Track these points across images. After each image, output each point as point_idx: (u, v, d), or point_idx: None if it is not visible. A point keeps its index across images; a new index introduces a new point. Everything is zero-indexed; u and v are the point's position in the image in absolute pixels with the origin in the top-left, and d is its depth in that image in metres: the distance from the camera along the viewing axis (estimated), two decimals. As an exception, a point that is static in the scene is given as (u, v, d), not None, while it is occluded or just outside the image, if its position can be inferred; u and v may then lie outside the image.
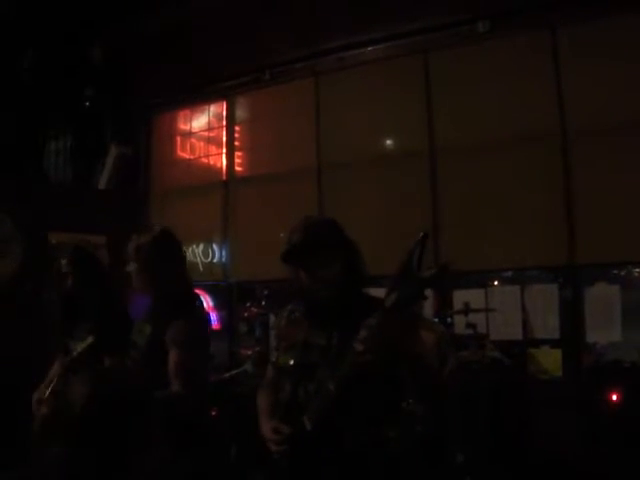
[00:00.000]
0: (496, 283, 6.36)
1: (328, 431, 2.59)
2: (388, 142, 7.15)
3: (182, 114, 8.95)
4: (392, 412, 2.80)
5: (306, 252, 2.72)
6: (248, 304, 7.14)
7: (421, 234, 2.39)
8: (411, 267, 2.33)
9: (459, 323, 5.90)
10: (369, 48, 7.00)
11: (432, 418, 4.74)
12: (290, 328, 2.96)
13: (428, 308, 6.08)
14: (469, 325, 5.44)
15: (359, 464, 2.63)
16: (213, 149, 8.58)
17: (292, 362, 2.84)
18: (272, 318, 3.45)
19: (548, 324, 5.97)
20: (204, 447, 3.36)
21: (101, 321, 4.02)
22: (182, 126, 8.94)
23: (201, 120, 8.74)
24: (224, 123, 8.41)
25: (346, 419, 2.60)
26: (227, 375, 6.43)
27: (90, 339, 3.80)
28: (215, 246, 8.15)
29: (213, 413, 4.61)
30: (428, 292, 5.97)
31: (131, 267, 3.76)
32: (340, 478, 2.62)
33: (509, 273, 6.39)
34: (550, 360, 5.91)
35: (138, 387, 1.92)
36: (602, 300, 5.79)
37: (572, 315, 5.90)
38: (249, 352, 6.51)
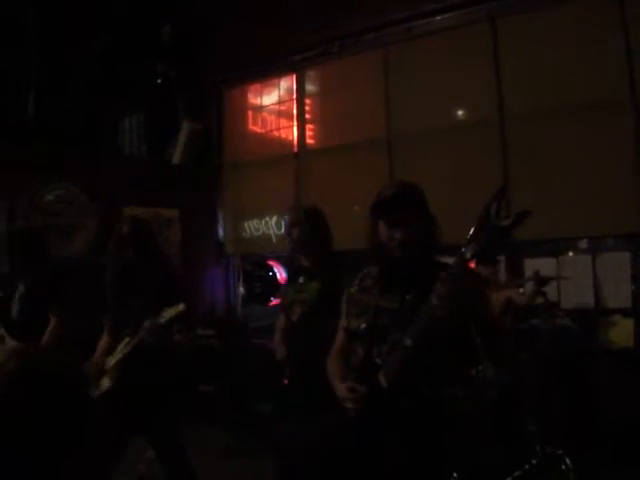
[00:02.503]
0: (567, 251, 6.30)
1: (402, 388, 2.66)
2: (457, 111, 7.12)
3: (252, 88, 9.06)
4: (461, 373, 2.87)
5: (394, 207, 2.81)
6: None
7: (500, 186, 2.45)
8: (489, 217, 2.38)
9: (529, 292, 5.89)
10: (437, 17, 6.96)
11: (503, 382, 4.78)
12: (361, 294, 3.04)
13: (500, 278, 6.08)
14: (539, 293, 5.42)
15: (430, 422, 2.70)
16: (284, 122, 8.67)
17: (364, 326, 2.92)
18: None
19: (620, 293, 5.90)
20: None
21: (162, 298, 4.10)
22: (253, 100, 9.05)
23: (271, 94, 8.82)
24: (294, 96, 8.48)
25: (419, 376, 2.67)
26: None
27: (182, 306, 3.89)
28: (288, 218, 8.25)
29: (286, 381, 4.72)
30: (500, 262, 5.99)
31: (296, 232, 4.33)
32: (411, 436, 2.69)
33: (581, 241, 6.32)
34: (622, 329, 5.84)
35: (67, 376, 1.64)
36: (675, 268, 5.73)
37: (645, 283, 5.84)
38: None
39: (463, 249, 2.47)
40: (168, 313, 3.88)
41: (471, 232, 2.44)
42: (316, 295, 4.16)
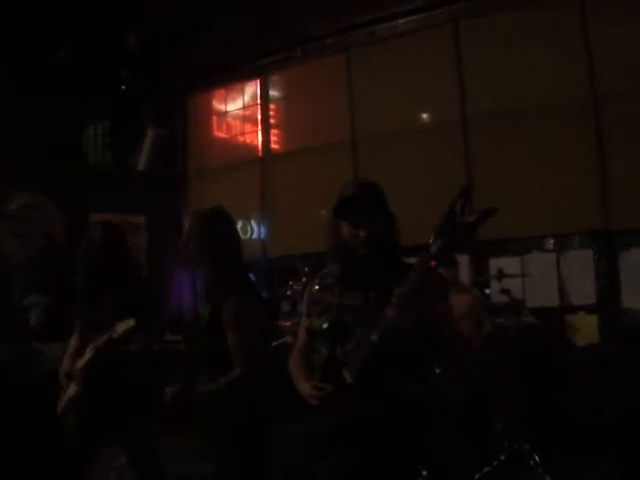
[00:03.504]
0: (531, 250, 6.37)
1: (366, 384, 2.67)
2: (421, 113, 7.20)
3: (217, 94, 9.08)
4: (427, 370, 2.89)
5: (355, 207, 2.82)
6: (290, 282, 7.13)
7: (464, 185, 2.47)
8: (454, 214, 2.40)
9: (495, 291, 5.95)
10: (399, 21, 7.03)
11: (469, 381, 4.82)
12: (323, 293, 3.03)
13: (464, 278, 6.12)
14: (503, 291, 5.46)
15: (394, 418, 2.71)
16: (249, 127, 8.70)
17: (326, 325, 2.91)
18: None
19: (584, 290, 5.99)
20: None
21: (130, 302, 4.08)
22: (217, 106, 9.07)
23: (236, 99, 8.85)
24: (258, 101, 8.51)
25: (384, 372, 2.67)
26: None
27: (132, 322, 3.87)
28: (253, 222, 8.27)
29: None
30: (464, 261, 6.03)
31: (188, 244, 3.65)
32: (374, 432, 2.69)
33: (544, 240, 6.39)
34: (586, 326, 5.92)
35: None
36: (638, 265, 5.77)
37: (608, 280, 5.91)
38: (288, 324, 6.56)
39: (430, 242, 2.49)
40: (120, 327, 3.86)
41: (436, 229, 2.46)
42: (206, 323, 3.58)
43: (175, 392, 3.23)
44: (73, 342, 4.33)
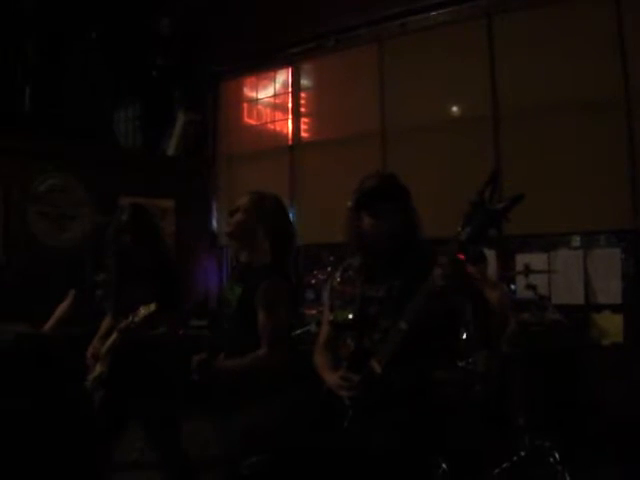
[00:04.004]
0: (559, 247, 6.33)
1: (395, 373, 2.68)
2: (451, 107, 7.17)
3: (248, 81, 9.10)
4: (451, 358, 2.89)
5: (377, 199, 2.83)
6: (315, 272, 7.15)
7: (492, 171, 2.46)
8: (483, 201, 2.40)
9: (520, 286, 5.93)
10: (432, 13, 7.00)
11: (493, 375, 4.82)
12: (345, 286, 3.04)
13: (491, 274, 6.10)
14: (529, 286, 5.44)
15: (421, 404, 2.72)
16: (279, 115, 8.72)
17: (351, 316, 2.92)
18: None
19: (610, 289, 5.95)
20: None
21: (158, 284, 4.12)
22: (248, 93, 9.10)
23: (267, 87, 8.87)
24: (290, 89, 8.53)
25: (412, 360, 2.68)
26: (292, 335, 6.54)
27: (153, 306, 3.90)
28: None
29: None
30: (491, 256, 6.00)
31: (238, 217, 3.58)
32: (401, 418, 2.70)
33: (572, 237, 6.35)
34: (611, 325, 5.88)
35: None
36: (666, 265, 5.76)
37: (635, 280, 5.87)
38: (313, 312, 6.58)
39: (459, 229, 2.47)
40: (143, 312, 3.90)
41: (465, 216, 2.44)
42: (236, 304, 3.56)
43: (201, 361, 3.26)
44: (105, 324, 4.39)
